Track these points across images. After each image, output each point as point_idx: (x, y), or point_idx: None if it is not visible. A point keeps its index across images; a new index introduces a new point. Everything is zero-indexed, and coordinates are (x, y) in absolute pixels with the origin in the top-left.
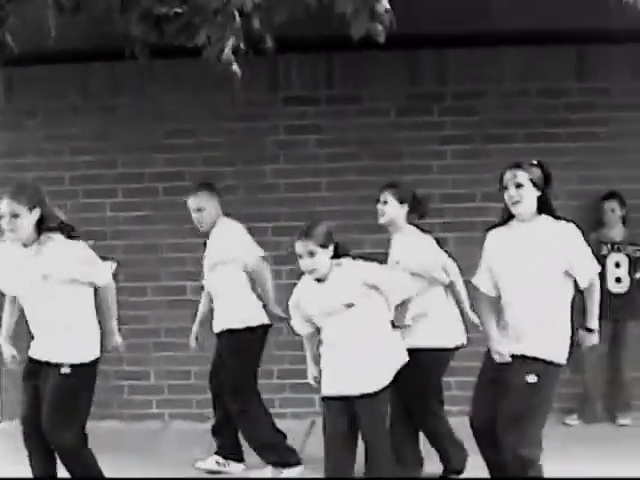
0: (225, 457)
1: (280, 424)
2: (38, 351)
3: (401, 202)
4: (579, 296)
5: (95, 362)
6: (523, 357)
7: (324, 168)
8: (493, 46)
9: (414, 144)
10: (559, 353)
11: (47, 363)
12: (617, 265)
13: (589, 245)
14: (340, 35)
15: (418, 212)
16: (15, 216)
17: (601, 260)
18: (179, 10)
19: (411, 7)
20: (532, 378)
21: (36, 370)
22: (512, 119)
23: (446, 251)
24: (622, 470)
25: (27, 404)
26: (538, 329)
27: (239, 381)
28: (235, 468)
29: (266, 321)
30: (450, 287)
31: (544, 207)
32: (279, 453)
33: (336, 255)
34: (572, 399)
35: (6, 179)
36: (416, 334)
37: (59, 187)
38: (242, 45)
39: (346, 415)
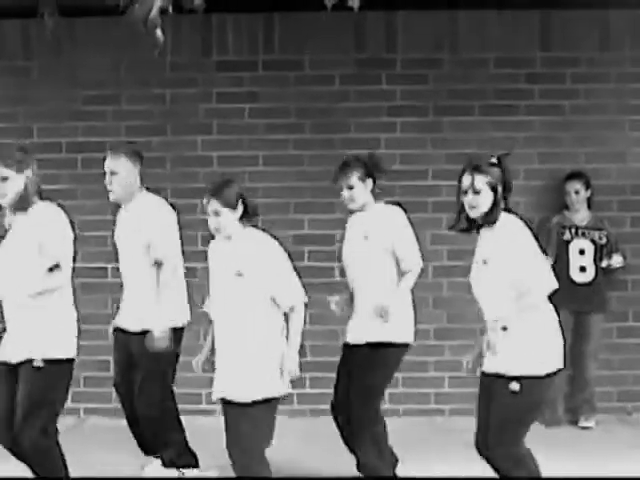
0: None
1: (208, 422)
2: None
3: (367, 177)
4: None
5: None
6: None
7: (261, 140)
8: (448, 8)
9: (360, 115)
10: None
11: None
12: (581, 252)
13: (550, 230)
14: None
15: (378, 174)
16: None
17: (564, 246)
18: None
19: None
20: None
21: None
22: (467, 89)
23: None
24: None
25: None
26: None
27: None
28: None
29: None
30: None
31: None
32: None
33: (245, 216)
34: None
35: None
36: None
37: None
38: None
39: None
